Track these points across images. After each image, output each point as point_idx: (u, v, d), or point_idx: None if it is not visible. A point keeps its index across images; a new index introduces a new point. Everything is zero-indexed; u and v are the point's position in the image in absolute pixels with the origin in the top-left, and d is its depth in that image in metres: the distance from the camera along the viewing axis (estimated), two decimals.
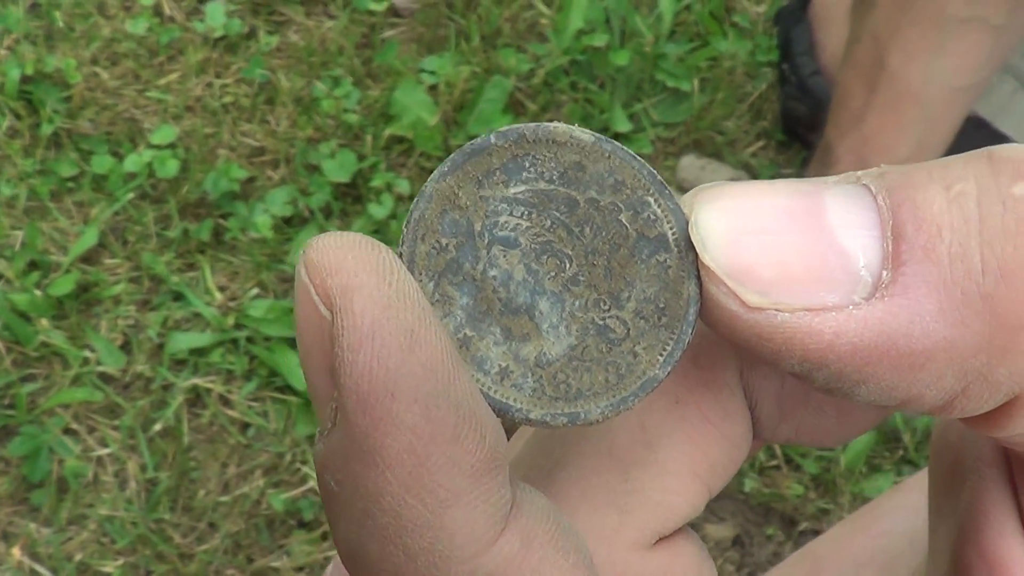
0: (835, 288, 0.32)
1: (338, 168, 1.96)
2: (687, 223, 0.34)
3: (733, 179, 2.03)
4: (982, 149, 0.33)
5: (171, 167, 1.94)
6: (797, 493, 1.77)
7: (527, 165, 0.35)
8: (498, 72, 2.05)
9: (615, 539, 0.41)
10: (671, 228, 0.35)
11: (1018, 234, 0.31)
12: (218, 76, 2.07)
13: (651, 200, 0.35)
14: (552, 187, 0.35)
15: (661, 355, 0.35)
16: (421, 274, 0.35)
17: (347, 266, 0.31)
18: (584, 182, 0.35)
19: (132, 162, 1.94)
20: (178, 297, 1.86)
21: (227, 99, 2.05)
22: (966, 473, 0.41)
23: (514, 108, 2.04)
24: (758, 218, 0.33)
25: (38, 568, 1.67)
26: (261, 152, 2.00)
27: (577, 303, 0.35)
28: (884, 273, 0.32)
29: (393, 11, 2.16)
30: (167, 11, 2.13)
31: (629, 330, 0.35)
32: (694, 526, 1.70)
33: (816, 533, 1.73)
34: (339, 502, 0.33)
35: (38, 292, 1.83)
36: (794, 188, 0.33)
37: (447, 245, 0.35)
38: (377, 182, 1.94)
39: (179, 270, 1.89)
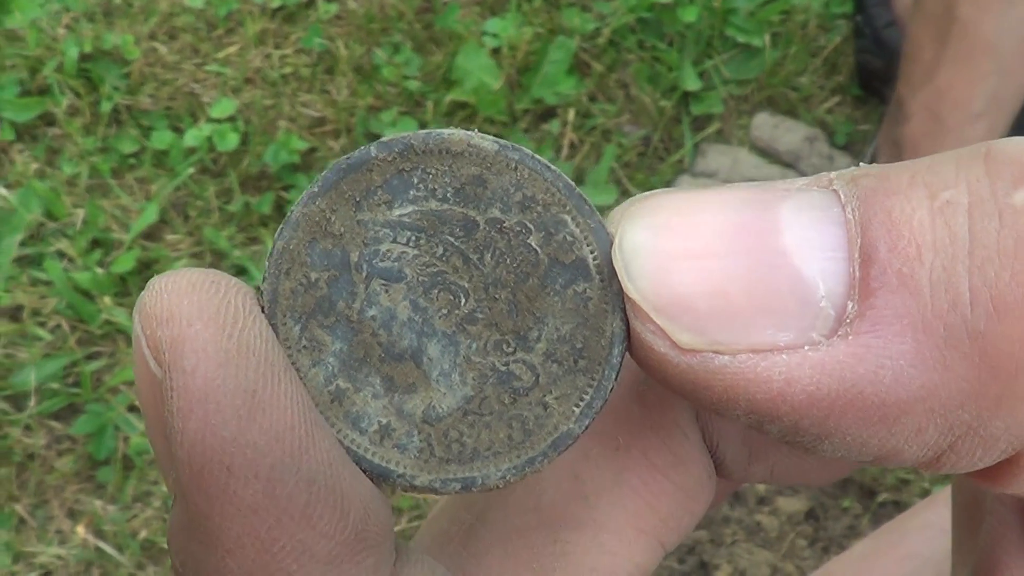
0: (788, 323, 0.26)
1: None
2: (611, 245, 0.29)
3: (808, 138, 1.98)
4: (980, 145, 0.27)
5: (231, 140, 1.92)
6: None
7: (415, 181, 0.30)
8: (562, 32, 2.00)
9: None
10: (592, 251, 0.30)
11: (1017, 256, 0.25)
12: (277, 47, 2.04)
13: (568, 218, 0.30)
14: (445, 207, 0.30)
15: (577, 406, 0.31)
16: (285, 315, 0.30)
17: (181, 313, 0.27)
18: (485, 199, 0.30)
19: (192, 136, 1.93)
20: (241, 271, 1.84)
21: (286, 70, 2.02)
22: (985, 512, 0.35)
23: (579, 69, 1.99)
24: (695, 237, 0.27)
25: (103, 546, 1.66)
26: (321, 122, 1.96)
27: (474, 345, 0.31)
28: (849, 305, 0.26)
29: None
30: None
31: (538, 377, 0.31)
32: (765, 499, 1.66)
33: (896, 505, 1.66)
34: None
35: (100, 270, 1.82)
36: (743, 199, 0.27)
37: (317, 280, 0.30)
38: None
39: (241, 244, 1.87)
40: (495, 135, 0.31)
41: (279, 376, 0.27)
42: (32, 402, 1.74)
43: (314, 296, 0.30)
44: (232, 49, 2.05)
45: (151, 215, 1.86)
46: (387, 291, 0.30)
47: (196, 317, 0.27)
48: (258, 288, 0.30)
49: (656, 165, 1.94)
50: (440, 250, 0.30)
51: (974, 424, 0.26)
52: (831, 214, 0.27)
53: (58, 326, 1.79)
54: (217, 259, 1.85)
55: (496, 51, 2.00)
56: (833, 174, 0.28)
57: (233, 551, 0.27)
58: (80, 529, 1.66)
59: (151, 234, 1.88)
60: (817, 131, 1.97)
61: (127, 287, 1.82)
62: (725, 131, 1.98)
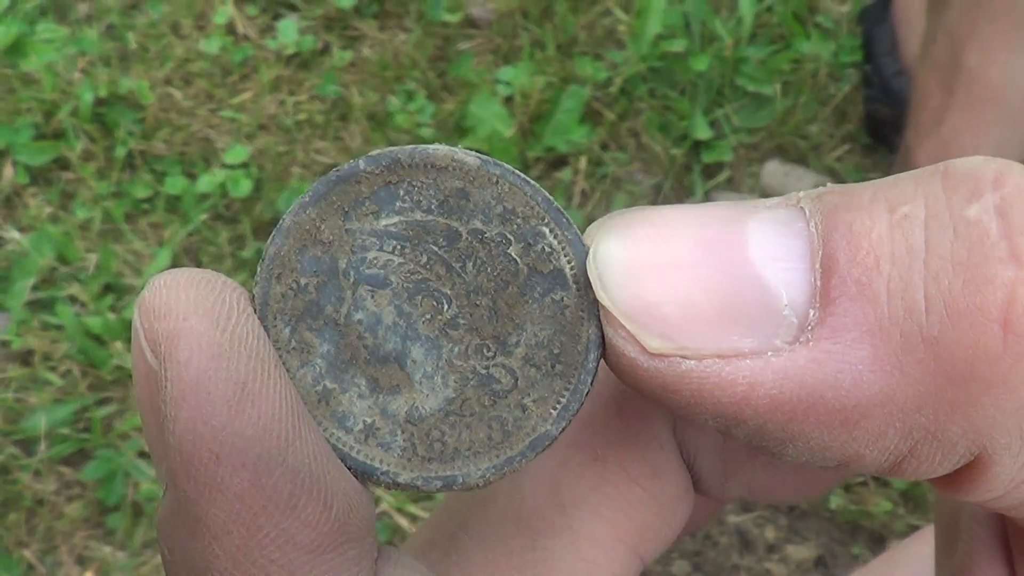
0: (752, 330, 0.28)
1: None
2: (587, 255, 0.31)
3: (817, 186, 1.97)
4: (940, 163, 0.28)
5: (244, 187, 1.92)
6: (885, 509, 1.69)
7: (401, 193, 0.32)
8: (574, 81, 2.01)
9: None
10: (569, 262, 0.32)
11: (970, 266, 0.26)
12: (291, 93, 2.06)
13: (546, 230, 0.32)
14: (430, 217, 0.32)
15: (555, 408, 0.32)
16: (276, 318, 0.32)
17: (178, 308, 0.28)
18: (468, 211, 0.32)
19: (205, 182, 1.93)
20: None
21: (300, 116, 2.03)
22: (960, 531, 0.36)
23: (591, 117, 2.00)
24: (666, 249, 0.29)
25: None
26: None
27: (456, 349, 0.32)
28: (811, 313, 0.27)
29: (468, 22, 2.13)
30: (240, 29, 2.12)
31: (517, 380, 0.32)
32: (774, 546, 1.65)
33: None
34: (171, 571, 0.30)
35: (112, 315, 1.82)
36: (713, 214, 0.29)
37: (307, 285, 0.32)
38: None
39: None
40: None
41: (269, 371, 0.29)
42: (42, 447, 1.74)
43: (303, 300, 0.32)
44: (246, 95, 2.06)
45: (163, 261, 1.87)
46: (373, 296, 0.32)
47: (192, 312, 0.28)
48: (251, 292, 0.31)
49: None
50: (424, 258, 0.32)
51: (932, 428, 0.27)
52: (795, 228, 0.28)
53: (69, 371, 1.80)
54: None
55: (509, 99, 2.01)
56: (801, 193, 0.29)
57: (219, 537, 0.28)
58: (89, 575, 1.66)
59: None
60: (827, 179, 1.97)
61: None
62: (735, 179, 1.98)
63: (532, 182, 0.32)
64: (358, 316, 0.32)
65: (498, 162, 0.32)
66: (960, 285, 0.26)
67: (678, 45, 2.04)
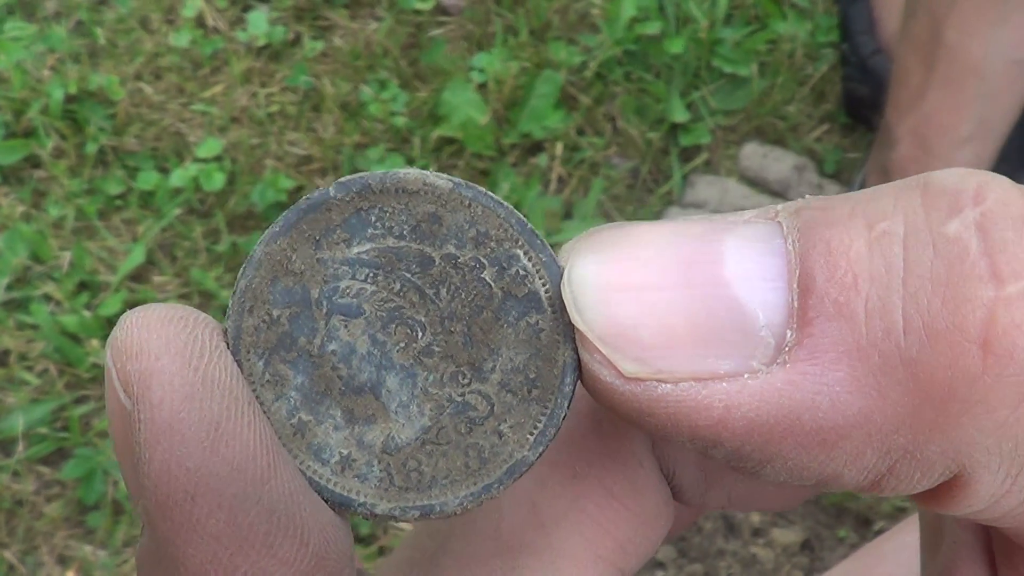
0: (729, 352, 0.27)
1: None
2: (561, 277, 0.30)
3: (797, 167, 1.97)
4: (919, 176, 0.27)
5: (218, 180, 1.91)
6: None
7: (373, 220, 0.32)
8: (549, 66, 2.00)
9: None
10: (544, 284, 0.32)
11: (949, 285, 0.26)
12: (263, 85, 2.04)
13: (520, 253, 0.32)
14: (403, 244, 0.32)
15: (531, 434, 0.32)
16: (249, 352, 0.31)
17: (150, 348, 0.28)
18: (441, 236, 0.32)
19: (178, 177, 1.92)
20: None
21: (273, 108, 2.01)
22: (944, 533, 0.36)
23: (567, 102, 1.99)
24: (640, 271, 0.28)
25: None
26: (308, 160, 1.96)
27: (431, 378, 0.32)
28: (788, 333, 0.27)
29: (440, 9, 2.12)
30: (210, 22, 2.10)
31: (493, 406, 0.32)
32: (760, 530, 1.65)
33: None
34: None
35: (87, 313, 1.81)
36: (688, 232, 0.28)
37: (279, 317, 0.31)
38: None
39: (229, 285, 1.85)
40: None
41: (242, 409, 0.29)
42: (20, 447, 1.72)
43: (276, 332, 0.31)
44: (218, 88, 2.04)
45: (138, 257, 1.85)
46: (346, 326, 0.31)
47: (164, 352, 0.28)
48: (224, 326, 0.31)
49: (645, 197, 1.93)
50: (397, 286, 0.31)
51: (910, 448, 0.27)
52: (773, 245, 0.28)
53: (45, 370, 1.78)
54: (205, 300, 1.84)
55: (483, 86, 2.00)
56: (780, 206, 0.29)
57: None
58: (70, 575, 1.65)
59: (138, 276, 1.86)
60: (806, 160, 1.97)
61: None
62: (713, 162, 1.97)
63: (505, 204, 0.32)
64: (332, 347, 0.31)
65: (471, 184, 0.32)
66: (939, 304, 0.26)
67: (653, 28, 2.03)
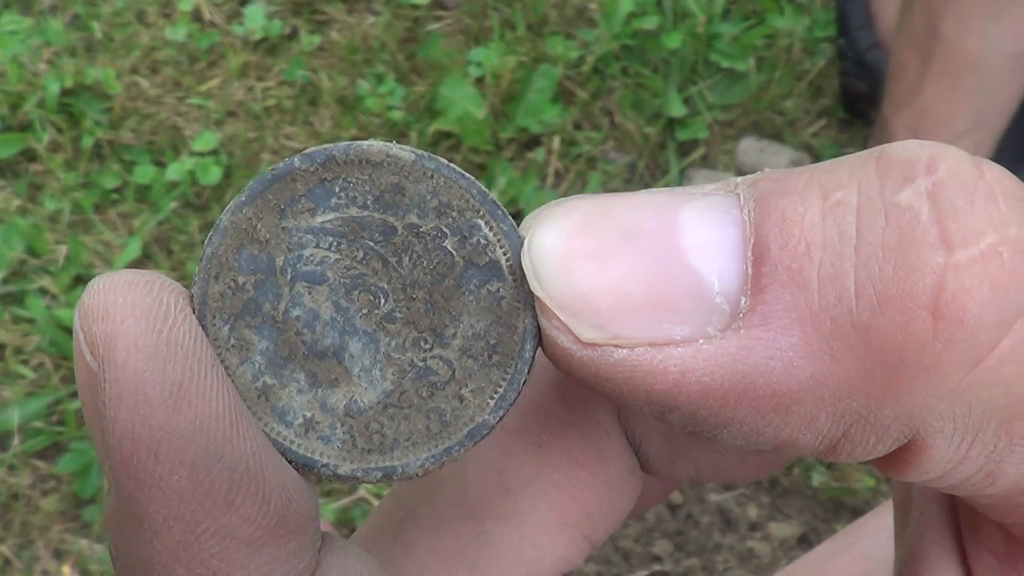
0: (685, 318, 0.28)
1: None
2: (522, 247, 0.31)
3: (794, 162, 1.97)
4: (875, 148, 0.28)
5: (214, 174, 1.91)
6: (868, 486, 1.69)
7: (337, 190, 0.32)
8: (546, 61, 2.00)
9: None
10: (505, 253, 0.32)
11: (899, 251, 0.26)
12: (259, 79, 2.04)
13: (481, 223, 0.32)
14: (366, 213, 0.32)
15: (492, 398, 0.33)
16: (214, 317, 0.32)
17: (116, 311, 0.29)
18: (403, 206, 0.32)
19: (175, 170, 1.92)
20: None
21: (269, 102, 2.01)
22: (912, 505, 0.36)
23: (564, 97, 1.99)
24: (598, 239, 0.29)
25: None
26: None
27: (393, 343, 0.33)
28: (743, 300, 0.28)
29: (437, 4, 2.12)
30: (207, 16, 2.10)
31: (454, 371, 0.33)
32: (757, 524, 1.64)
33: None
34: (118, 569, 0.31)
35: None
36: (646, 202, 0.29)
37: (244, 284, 0.32)
38: None
39: None
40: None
41: (205, 371, 0.29)
42: (16, 441, 1.72)
43: (241, 298, 0.32)
44: (214, 82, 2.04)
45: (134, 250, 1.85)
46: (310, 293, 0.32)
47: (129, 314, 0.29)
48: (191, 292, 0.32)
49: None
50: (360, 254, 0.32)
51: (864, 412, 0.27)
52: (729, 216, 0.28)
53: (41, 364, 1.78)
54: None
55: (480, 80, 2.00)
56: (739, 179, 0.29)
57: (160, 532, 0.29)
58: (66, 569, 1.64)
59: (134, 269, 1.86)
60: (803, 155, 1.97)
61: None
62: (711, 156, 1.97)
63: (467, 175, 0.32)
64: (296, 312, 0.32)
65: (433, 156, 0.32)
66: (890, 271, 0.26)
67: (650, 22, 2.03)
